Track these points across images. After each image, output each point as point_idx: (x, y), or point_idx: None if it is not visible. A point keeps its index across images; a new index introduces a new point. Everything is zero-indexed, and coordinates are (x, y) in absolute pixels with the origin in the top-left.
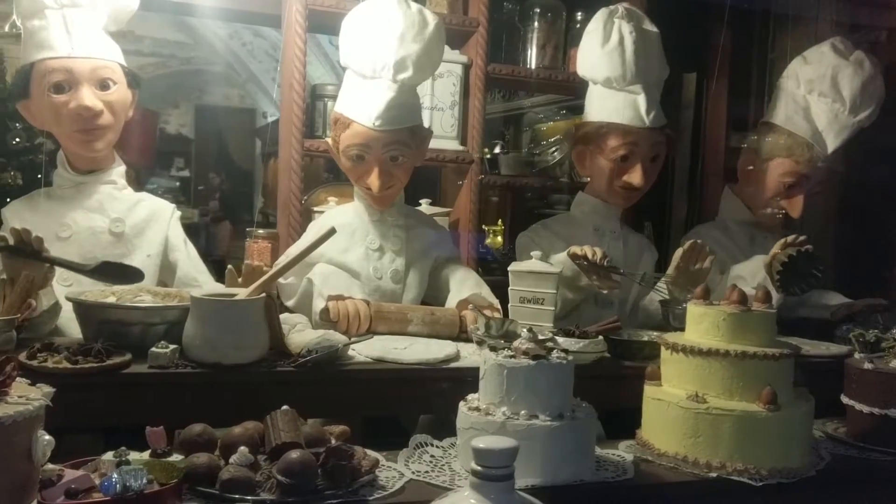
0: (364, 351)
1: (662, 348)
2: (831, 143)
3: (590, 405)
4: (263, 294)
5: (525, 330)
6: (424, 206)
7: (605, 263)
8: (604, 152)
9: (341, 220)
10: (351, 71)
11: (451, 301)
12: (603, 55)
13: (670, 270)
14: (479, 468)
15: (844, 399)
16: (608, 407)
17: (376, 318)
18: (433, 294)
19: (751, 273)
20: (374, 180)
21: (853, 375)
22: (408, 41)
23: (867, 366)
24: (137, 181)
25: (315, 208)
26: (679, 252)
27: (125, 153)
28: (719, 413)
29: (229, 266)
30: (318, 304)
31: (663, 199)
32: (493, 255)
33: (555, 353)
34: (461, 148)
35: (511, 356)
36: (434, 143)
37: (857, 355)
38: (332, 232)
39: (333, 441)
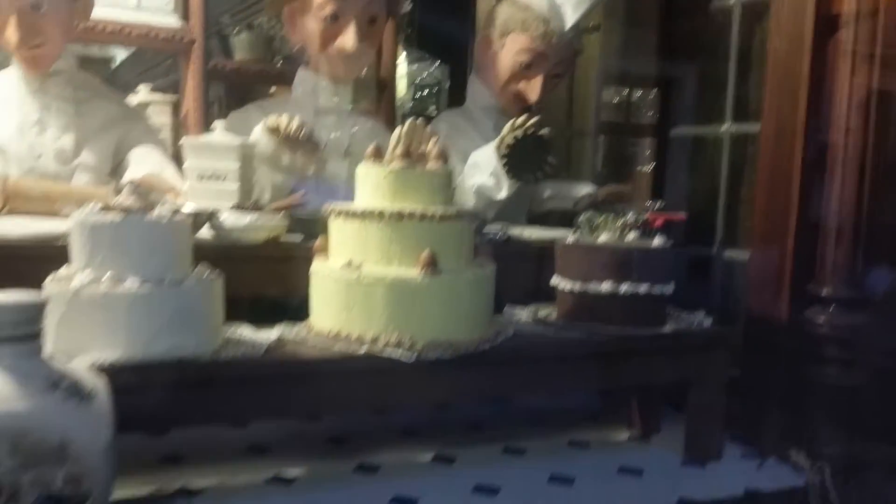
0: None
1: (330, 217)
2: (570, 17)
3: (215, 277)
4: None
5: (129, 183)
6: (143, 94)
7: (303, 137)
8: (311, 11)
9: None
10: None
11: (124, 182)
12: None
13: (387, 155)
14: None
15: (553, 281)
16: (289, 291)
17: (15, 196)
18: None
19: (486, 159)
20: (11, 33)
21: (560, 253)
22: None
23: (570, 240)
24: None
25: None
26: (396, 133)
27: None
28: (372, 280)
29: None
30: None
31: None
32: None
33: (160, 210)
34: (179, 24)
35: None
36: (143, 18)
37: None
38: None
39: None
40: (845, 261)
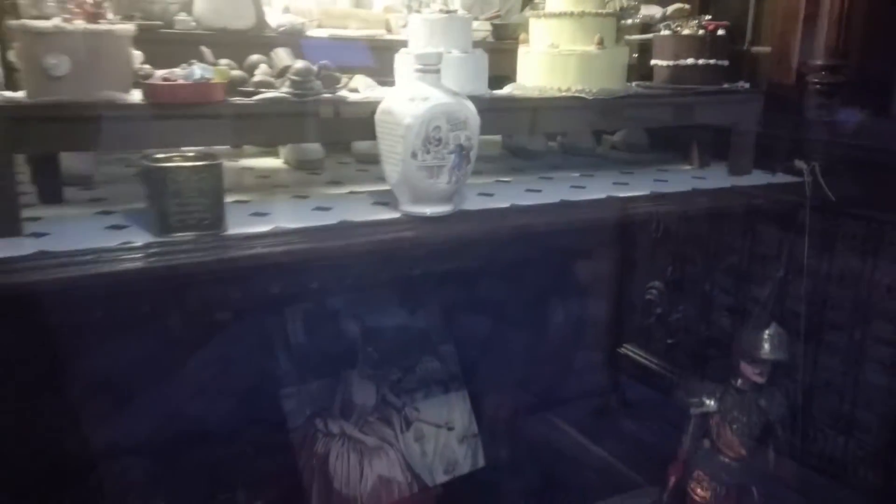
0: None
1: (529, 19)
2: None
3: (483, 52)
4: None
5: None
6: None
7: None
8: None
9: None
10: None
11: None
12: None
13: None
14: (418, 66)
15: (652, 62)
16: (497, 73)
17: (324, 16)
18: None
19: None
20: None
21: (657, 42)
22: None
23: (664, 32)
24: None
25: None
26: None
27: None
28: (567, 53)
29: None
30: None
31: None
32: None
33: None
34: None
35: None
36: None
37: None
38: None
39: None
40: (832, 41)
